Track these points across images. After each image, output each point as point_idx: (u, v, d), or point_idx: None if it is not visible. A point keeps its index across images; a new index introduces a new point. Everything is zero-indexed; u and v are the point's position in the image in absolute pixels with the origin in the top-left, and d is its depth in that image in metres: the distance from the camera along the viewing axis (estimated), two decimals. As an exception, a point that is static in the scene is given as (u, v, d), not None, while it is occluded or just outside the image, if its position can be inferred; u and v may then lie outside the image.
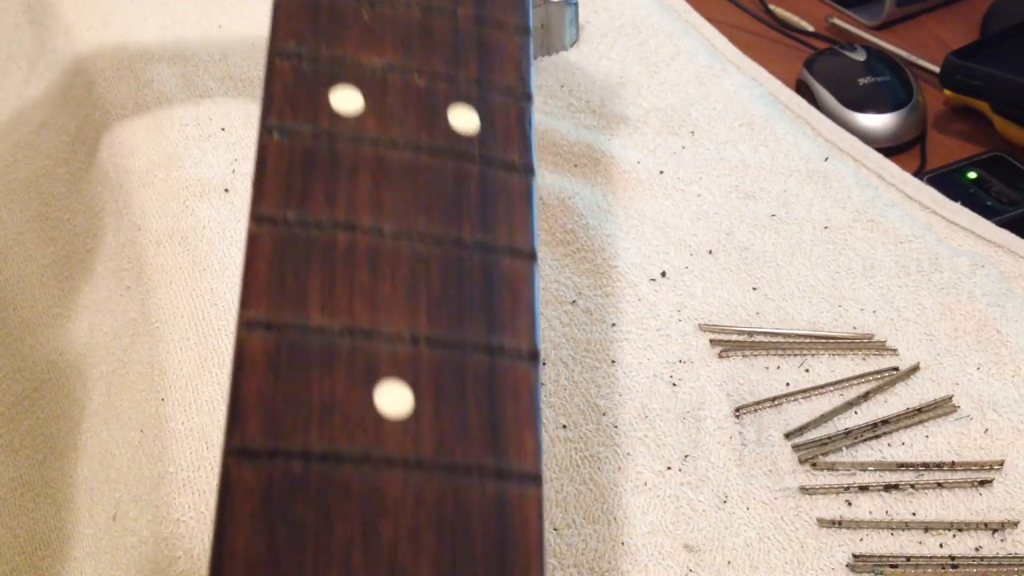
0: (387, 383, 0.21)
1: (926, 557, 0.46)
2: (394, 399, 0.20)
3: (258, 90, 0.58)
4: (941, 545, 0.47)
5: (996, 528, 0.47)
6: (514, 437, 0.21)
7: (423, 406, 0.21)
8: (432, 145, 0.23)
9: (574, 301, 0.57)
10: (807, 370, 0.54)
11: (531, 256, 0.23)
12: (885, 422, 0.51)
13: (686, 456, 0.50)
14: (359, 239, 0.22)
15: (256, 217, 0.22)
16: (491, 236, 0.23)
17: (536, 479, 0.21)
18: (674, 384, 0.53)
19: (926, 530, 0.47)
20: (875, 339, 0.55)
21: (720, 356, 0.54)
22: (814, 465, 0.49)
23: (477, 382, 0.21)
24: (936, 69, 0.73)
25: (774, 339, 0.55)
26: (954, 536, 0.47)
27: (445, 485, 0.20)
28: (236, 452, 0.20)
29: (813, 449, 0.50)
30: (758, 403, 0.52)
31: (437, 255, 0.22)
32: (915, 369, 0.53)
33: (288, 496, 0.19)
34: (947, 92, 0.70)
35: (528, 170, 0.24)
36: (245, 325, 0.21)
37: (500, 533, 0.20)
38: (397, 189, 0.23)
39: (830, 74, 0.72)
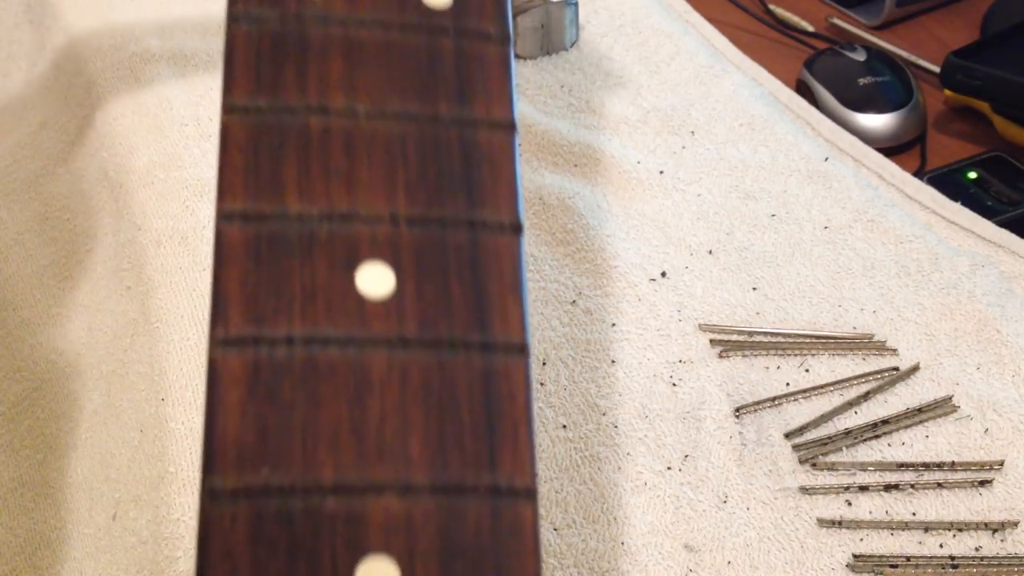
0: (368, 265, 0.21)
1: (926, 557, 0.46)
2: (376, 280, 0.21)
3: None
4: (941, 545, 0.47)
5: (996, 528, 0.47)
6: (499, 310, 0.21)
7: (405, 285, 0.21)
8: (403, 22, 0.23)
9: (574, 301, 0.57)
10: (807, 370, 0.54)
11: (510, 127, 0.23)
12: (885, 422, 0.51)
13: (686, 456, 0.50)
14: (333, 123, 0.22)
15: (228, 108, 0.22)
16: (468, 110, 0.23)
17: (522, 349, 0.21)
18: (674, 384, 0.53)
19: (926, 530, 0.47)
20: (875, 339, 0.55)
21: (720, 356, 0.54)
22: (814, 465, 0.49)
23: (459, 258, 0.21)
24: (936, 69, 0.73)
25: (774, 339, 0.55)
26: (954, 536, 0.47)
27: (430, 361, 0.20)
28: (221, 342, 0.20)
29: (813, 449, 0.50)
30: (758, 403, 0.52)
31: (413, 134, 0.22)
32: (915, 369, 0.53)
33: (274, 381, 0.19)
34: (947, 92, 0.70)
35: (504, 39, 0.24)
36: (223, 217, 0.21)
37: (487, 405, 0.20)
38: (369, 69, 0.22)
39: (830, 74, 0.72)
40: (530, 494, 0.20)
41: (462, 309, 0.21)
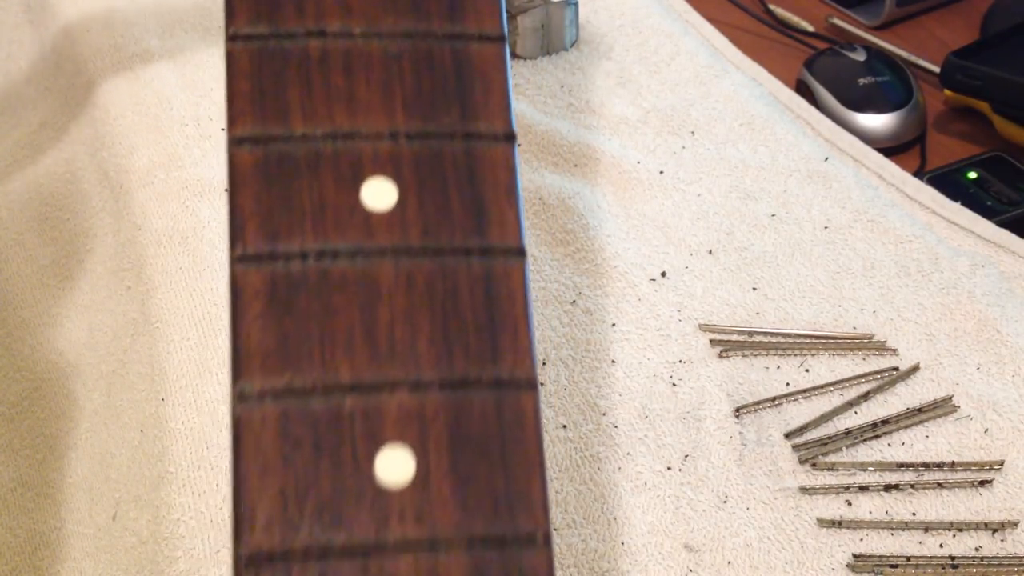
0: (372, 180, 0.22)
1: (926, 557, 0.46)
2: (379, 194, 0.22)
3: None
4: (941, 545, 0.47)
5: (996, 528, 0.47)
6: (496, 216, 0.22)
7: (407, 197, 0.22)
8: None
9: (574, 301, 0.57)
10: (807, 370, 0.54)
11: (500, 40, 0.24)
12: (885, 422, 0.51)
13: (686, 456, 0.50)
14: (331, 45, 0.23)
15: (231, 36, 0.23)
16: (460, 25, 0.24)
17: (520, 252, 0.22)
18: (674, 384, 0.53)
19: (926, 530, 0.47)
20: (875, 339, 0.55)
21: (720, 356, 0.54)
22: (814, 465, 0.49)
23: (457, 168, 0.22)
24: (936, 69, 0.73)
25: (774, 339, 0.55)
26: (954, 536, 0.47)
27: (434, 267, 0.22)
28: (240, 259, 0.21)
29: (813, 449, 0.50)
30: (758, 403, 0.52)
31: (408, 51, 0.23)
32: (915, 369, 0.53)
33: (291, 293, 0.21)
34: (947, 92, 0.70)
35: None
36: (235, 142, 0.22)
37: (488, 305, 0.22)
38: None
39: (830, 74, 0.72)
40: (531, 385, 0.21)
41: (461, 217, 0.22)
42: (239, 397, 0.20)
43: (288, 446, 0.20)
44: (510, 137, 0.23)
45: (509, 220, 0.22)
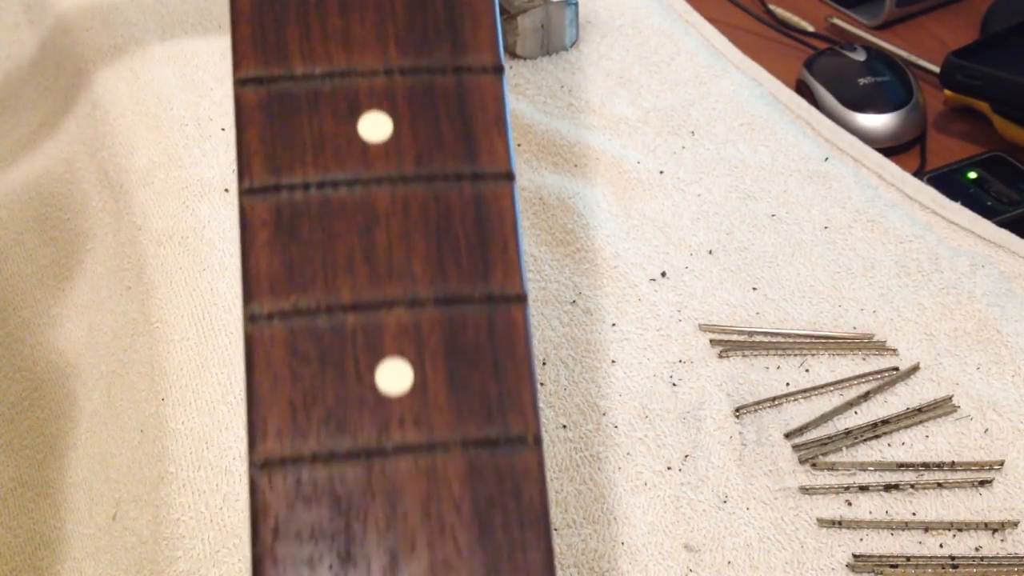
0: (368, 114, 0.23)
1: (926, 557, 0.46)
2: (375, 126, 0.23)
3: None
4: (941, 545, 0.47)
5: (996, 528, 0.47)
6: (485, 143, 0.24)
7: (401, 128, 0.23)
8: None
9: (574, 301, 0.57)
10: (807, 370, 0.54)
11: None
12: (885, 422, 0.51)
13: (686, 456, 0.50)
14: None
15: None
16: None
17: (508, 176, 0.23)
18: (674, 384, 0.53)
19: (926, 530, 0.47)
20: (875, 339, 0.55)
21: (720, 356, 0.54)
22: (814, 465, 0.49)
23: (448, 100, 0.24)
24: (936, 69, 0.73)
25: (774, 339, 0.55)
26: (954, 536, 0.47)
27: (427, 193, 0.23)
28: (248, 192, 0.23)
29: (813, 449, 0.50)
30: (758, 403, 0.52)
31: None
32: (915, 369, 0.53)
33: (295, 221, 0.23)
34: (947, 92, 0.70)
35: None
36: (240, 83, 0.24)
37: (479, 226, 0.23)
38: None
39: (830, 74, 0.72)
40: (521, 300, 0.23)
41: (453, 145, 0.23)
42: (250, 319, 0.22)
43: (296, 361, 0.22)
44: (498, 69, 0.24)
45: (498, 147, 0.24)
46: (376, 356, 0.22)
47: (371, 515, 0.21)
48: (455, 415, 0.22)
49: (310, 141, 0.23)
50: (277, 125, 0.23)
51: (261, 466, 0.21)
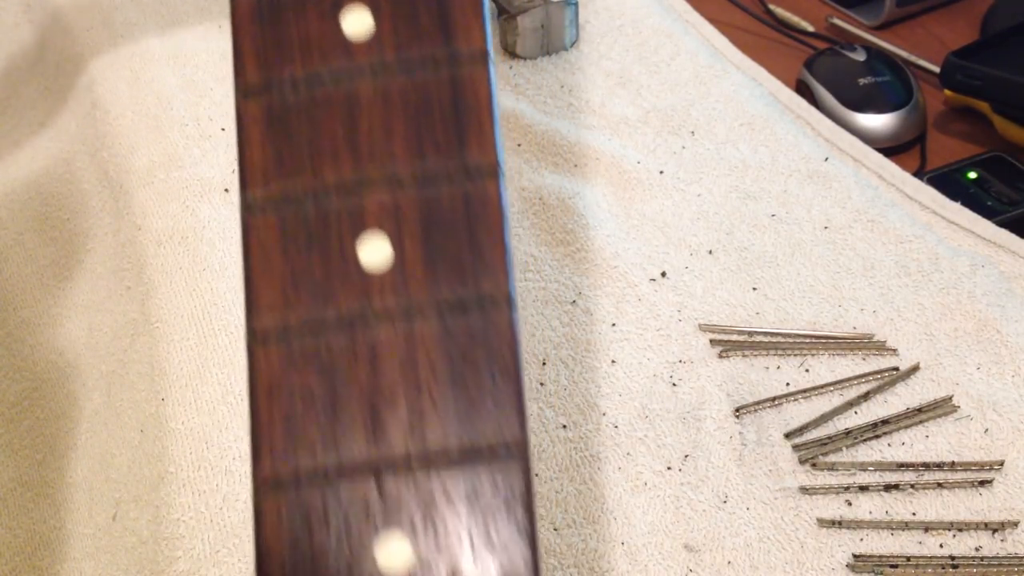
0: (349, 9, 0.25)
1: (926, 557, 0.46)
2: (357, 21, 0.25)
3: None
4: (941, 545, 0.47)
5: (996, 528, 0.47)
6: (462, 26, 0.25)
7: (382, 21, 0.25)
8: None
9: (574, 301, 0.57)
10: (807, 370, 0.54)
11: None
12: (885, 422, 0.51)
13: (686, 456, 0.50)
14: None
15: None
16: None
17: (483, 55, 0.25)
18: (674, 384, 0.53)
19: (926, 530, 0.47)
20: (875, 339, 0.55)
21: (720, 356, 0.54)
22: (814, 465, 0.49)
23: None
24: (936, 69, 0.73)
25: (774, 339, 0.55)
26: (954, 536, 0.47)
27: (406, 80, 0.25)
28: (243, 92, 0.25)
29: (813, 449, 0.50)
30: (758, 403, 0.52)
31: None
32: (915, 369, 0.53)
33: (284, 116, 0.24)
34: (947, 92, 0.70)
35: None
36: None
37: (456, 104, 0.25)
38: None
39: (830, 74, 0.72)
40: (494, 172, 0.24)
41: (430, 30, 0.25)
42: (246, 208, 0.24)
43: (286, 242, 0.24)
44: None
45: (474, 29, 0.25)
46: (358, 233, 0.24)
47: (354, 377, 0.23)
48: (431, 283, 0.24)
49: (297, 40, 0.25)
50: (267, 27, 0.25)
51: (258, 338, 0.23)
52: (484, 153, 0.24)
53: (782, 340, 0.55)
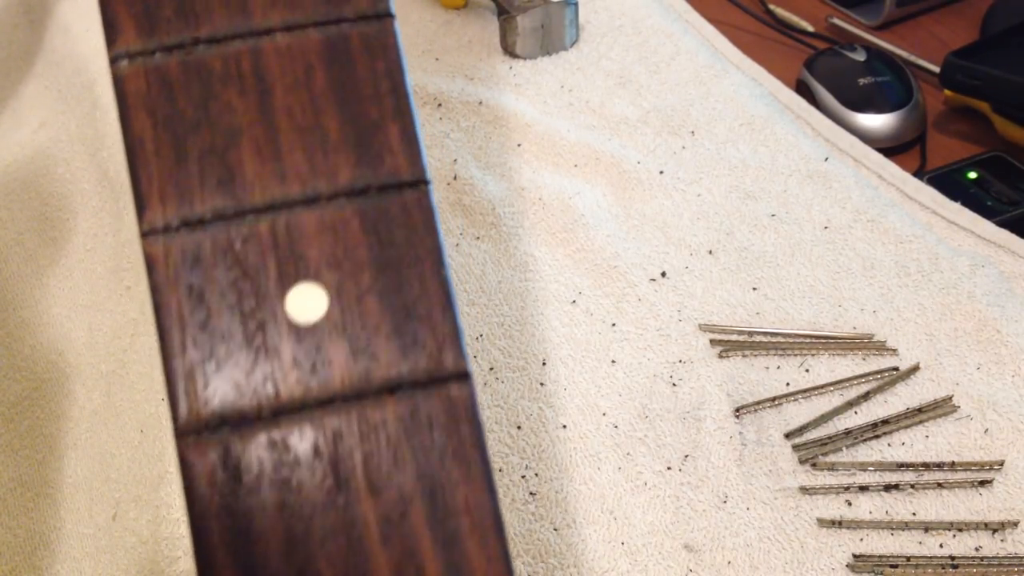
0: None
1: (926, 557, 0.46)
2: None
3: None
4: (941, 545, 0.47)
5: (996, 528, 0.47)
6: None
7: None
8: None
9: (574, 301, 0.57)
10: (807, 370, 0.54)
11: None
12: (885, 422, 0.51)
13: (686, 456, 0.50)
14: None
15: None
16: None
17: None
18: (674, 384, 0.53)
19: (926, 530, 0.47)
20: (875, 339, 0.55)
21: (720, 356, 0.54)
22: (814, 465, 0.49)
23: None
24: (936, 69, 0.73)
25: (774, 339, 0.55)
26: (954, 536, 0.47)
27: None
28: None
29: (813, 449, 0.50)
30: (758, 403, 0.52)
31: None
32: (915, 369, 0.53)
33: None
34: (947, 92, 0.70)
35: None
36: None
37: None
38: None
39: (830, 74, 0.72)
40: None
41: None
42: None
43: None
44: None
45: None
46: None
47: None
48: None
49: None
50: None
51: (118, 57, 0.22)
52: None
53: (782, 340, 0.55)
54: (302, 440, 0.21)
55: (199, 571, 0.20)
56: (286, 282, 0.22)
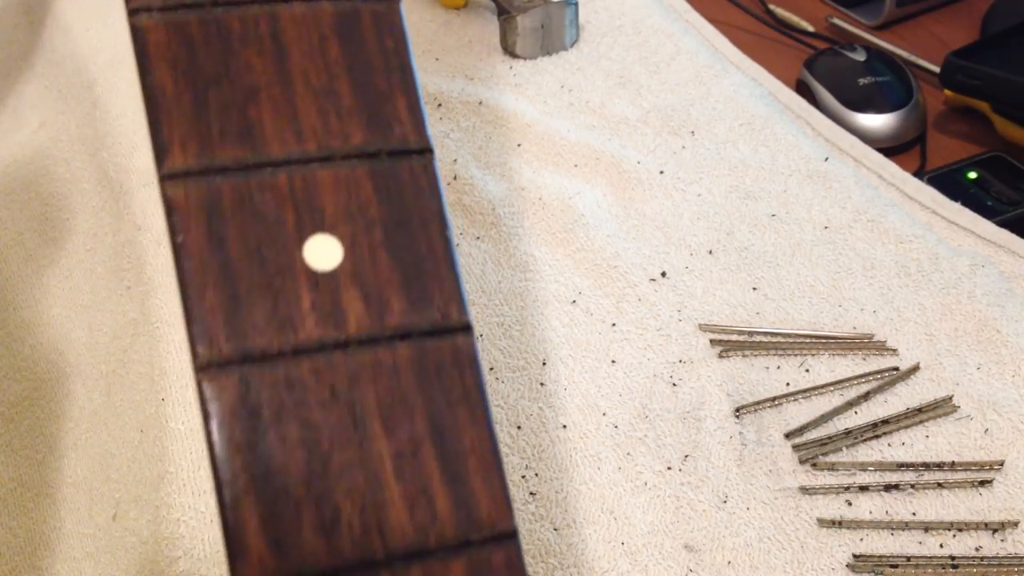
0: None
1: (926, 557, 0.46)
2: None
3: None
4: (941, 545, 0.47)
5: (996, 528, 0.47)
6: None
7: None
8: None
9: (574, 301, 0.57)
10: (807, 370, 0.54)
11: None
12: (885, 422, 0.51)
13: (686, 456, 0.50)
14: None
15: None
16: None
17: None
18: (674, 384, 0.53)
19: (926, 530, 0.47)
20: (875, 339, 0.55)
21: (720, 356, 0.54)
22: (814, 465, 0.49)
23: None
24: (936, 69, 0.73)
25: (774, 339, 0.55)
26: (954, 536, 0.47)
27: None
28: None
29: (813, 449, 0.50)
30: (758, 403, 0.52)
31: None
32: (915, 369, 0.53)
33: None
34: (947, 92, 0.70)
35: None
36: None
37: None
38: None
39: (830, 74, 0.72)
40: None
41: None
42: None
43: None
44: None
45: None
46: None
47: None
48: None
49: None
50: None
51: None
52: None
53: (782, 340, 0.55)
54: (319, 381, 0.22)
55: (220, 505, 0.21)
56: (304, 232, 0.23)
